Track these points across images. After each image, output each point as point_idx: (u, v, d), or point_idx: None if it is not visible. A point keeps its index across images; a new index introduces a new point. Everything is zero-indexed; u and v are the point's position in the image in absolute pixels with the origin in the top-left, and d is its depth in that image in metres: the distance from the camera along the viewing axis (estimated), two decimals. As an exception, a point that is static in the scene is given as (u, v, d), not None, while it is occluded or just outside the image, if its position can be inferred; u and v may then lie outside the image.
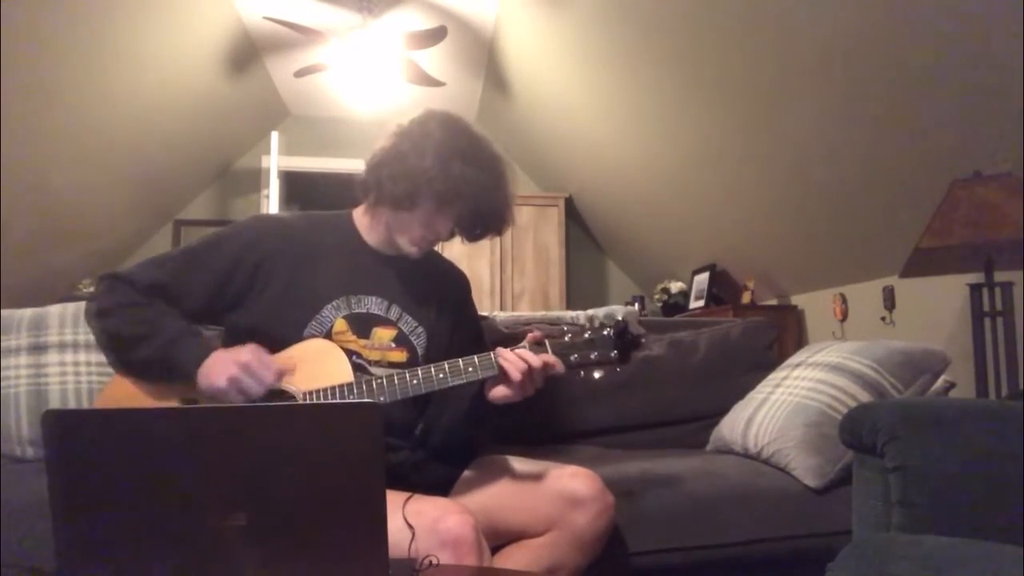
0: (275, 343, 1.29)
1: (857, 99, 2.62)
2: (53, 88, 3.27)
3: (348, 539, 0.79)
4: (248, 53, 4.30)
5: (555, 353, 1.22)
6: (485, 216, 1.35)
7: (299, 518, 0.79)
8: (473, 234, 1.39)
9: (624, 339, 1.23)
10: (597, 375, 1.24)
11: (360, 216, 1.45)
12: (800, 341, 3.87)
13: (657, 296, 5.04)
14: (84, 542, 0.77)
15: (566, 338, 1.24)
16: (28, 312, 1.78)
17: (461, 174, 1.28)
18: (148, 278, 1.32)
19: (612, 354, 1.22)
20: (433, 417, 1.41)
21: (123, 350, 1.28)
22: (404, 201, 1.31)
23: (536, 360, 1.19)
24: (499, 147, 1.41)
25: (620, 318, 1.26)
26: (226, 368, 1.18)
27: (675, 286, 4.90)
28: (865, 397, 1.60)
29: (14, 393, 1.68)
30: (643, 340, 1.26)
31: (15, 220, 3.60)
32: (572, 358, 1.23)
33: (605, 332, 1.23)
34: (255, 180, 5.58)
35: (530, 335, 1.24)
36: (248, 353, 1.21)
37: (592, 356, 1.23)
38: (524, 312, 2.64)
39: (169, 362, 1.23)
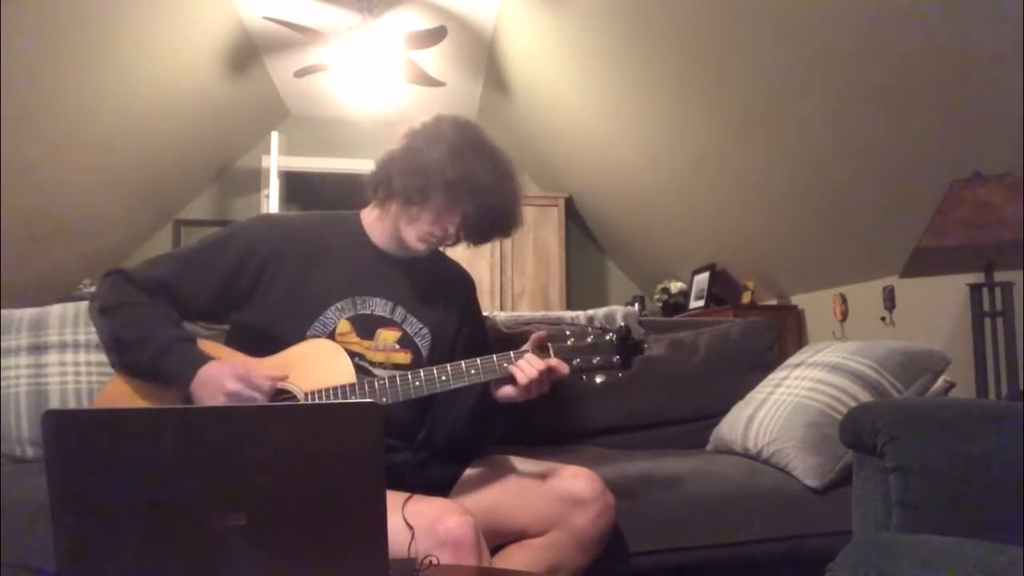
0: (278, 343, 1.29)
1: (857, 99, 2.61)
2: (53, 88, 3.27)
3: (348, 539, 0.79)
4: (248, 53, 4.30)
5: (557, 356, 1.23)
6: (495, 213, 1.34)
7: (299, 518, 0.79)
8: (481, 232, 1.38)
9: (627, 344, 1.24)
10: (599, 379, 1.25)
11: (368, 216, 1.45)
12: (800, 341, 3.87)
13: (657, 296, 5.04)
14: (84, 542, 0.77)
15: (568, 342, 1.25)
16: (28, 312, 1.77)
17: (473, 168, 1.29)
18: (151, 276, 1.32)
19: (615, 359, 1.23)
20: (437, 416, 1.40)
21: (120, 352, 1.28)
22: (415, 195, 1.31)
23: (542, 365, 1.20)
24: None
25: (622, 322, 1.26)
26: (223, 383, 1.17)
27: (675, 286, 4.90)
28: (865, 397, 1.59)
29: (14, 393, 1.68)
30: (646, 346, 1.27)
31: (15, 220, 3.60)
32: (575, 362, 1.24)
33: (608, 337, 1.24)
34: (255, 180, 5.58)
35: (534, 336, 1.25)
36: (241, 364, 1.21)
37: (595, 361, 1.24)
38: (524, 312, 2.64)
39: (161, 372, 1.23)
